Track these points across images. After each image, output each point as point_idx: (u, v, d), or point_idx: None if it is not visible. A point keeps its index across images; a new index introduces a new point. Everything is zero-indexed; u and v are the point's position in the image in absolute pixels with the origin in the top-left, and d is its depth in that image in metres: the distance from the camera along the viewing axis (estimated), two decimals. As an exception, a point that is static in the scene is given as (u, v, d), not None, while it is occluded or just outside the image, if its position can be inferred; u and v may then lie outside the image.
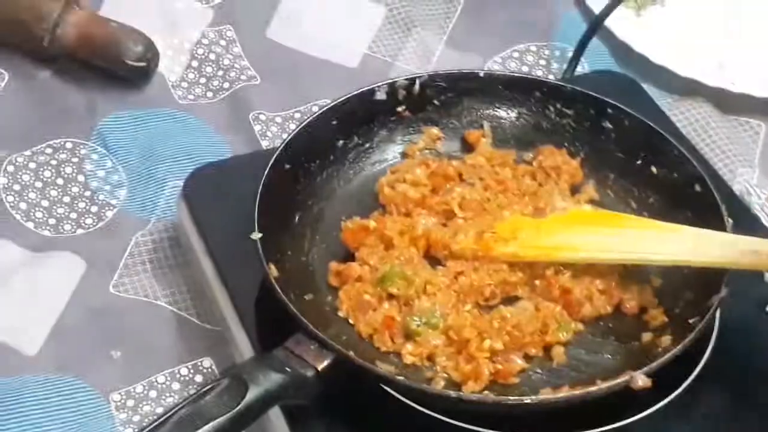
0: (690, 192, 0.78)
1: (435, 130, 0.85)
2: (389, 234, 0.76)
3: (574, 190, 0.82)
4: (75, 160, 0.89)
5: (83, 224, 0.86)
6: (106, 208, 0.87)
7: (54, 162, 0.89)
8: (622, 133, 0.82)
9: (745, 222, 0.78)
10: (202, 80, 0.97)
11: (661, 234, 0.75)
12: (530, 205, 0.80)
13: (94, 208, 0.86)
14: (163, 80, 0.96)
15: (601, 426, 0.67)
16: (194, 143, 0.91)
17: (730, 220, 0.74)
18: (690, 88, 0.97)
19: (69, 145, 0.90)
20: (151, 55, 0.94)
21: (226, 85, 0.96)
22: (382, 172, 0.82)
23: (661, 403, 0.68)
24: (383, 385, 0.68)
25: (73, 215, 0.86)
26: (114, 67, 0.94)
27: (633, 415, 0.68)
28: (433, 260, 0.76)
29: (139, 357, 0.77)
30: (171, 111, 0.94)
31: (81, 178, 0.88)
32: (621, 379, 0.66)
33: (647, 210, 0.80)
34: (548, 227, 0.78)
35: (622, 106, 0.82)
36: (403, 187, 0.80)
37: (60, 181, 0.88)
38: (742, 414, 0.70)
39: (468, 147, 0.85)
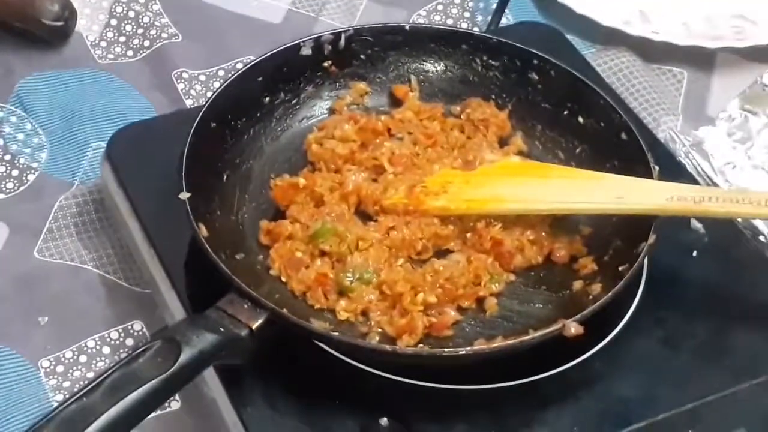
0: (616, 141, 0.78)
1: (362, 85, 0.84)
2: (319, 191, 0.76)
3: (503, 142, 0.82)
4: (-7, 123, 0.87)
5: (4, 189, 0.84)
6: (28, 171, 0.85)
7: (-29, 126, 0.87)
8: (549, 84, 0.83)
9: (671, 169, 0.79)
10: (122, 39, 0.95)
11: (589, 183, 0.76)
12: (459, 159, 0.80)
13: (15, 172, 0.85)
14: (82, 40, 0.94)
15: (536, 374, 0.68)
16: (116, 103, 0.90)
17: (657, 168, 0.75)
18: (613, 38, 0.98)
19: (-14, 109, 0.88)
20: (68, 14, 0.92)
21: (147, 43, 0.94)
22: (310, 129, 0.82)
23: (594, 350, 0.69)
24: (318, 342, 0.68)
25: (-6, 180, 0.84)
26: (31, 27, 0.92)
27: (566, 363, 0.69)
28: (365, 216, 0.76)
29: (67, 322, 0.76)
30: (91, 71, 0.92)
31: (0, 141, 0.86)
32: (553, 328, 0.67)
33: (575, 160, 0.81)
34: (477, 180, 0.78)
35: (547, 57, 0.82)
36: (331, 144, 0.79)
37: (-22, 146, 0.86)
38: (672, 357, 0.71)
39: (396, 102, 0.84)
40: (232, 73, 0.81)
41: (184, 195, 0.71)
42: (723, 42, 0.97)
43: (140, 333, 0.76)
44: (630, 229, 0.73)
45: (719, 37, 0.97)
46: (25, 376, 0.73)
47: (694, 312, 0.73)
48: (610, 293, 0.68)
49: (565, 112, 0.82)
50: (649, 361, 0.71)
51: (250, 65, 0.80)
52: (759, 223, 0.81)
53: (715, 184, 0.85)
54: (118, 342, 0.76)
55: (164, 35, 0.95)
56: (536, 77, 0.83)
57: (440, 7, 1.00)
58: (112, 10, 0.96)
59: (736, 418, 0.68)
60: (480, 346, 0.68)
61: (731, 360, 0.71)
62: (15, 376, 0.73)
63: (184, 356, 0.62)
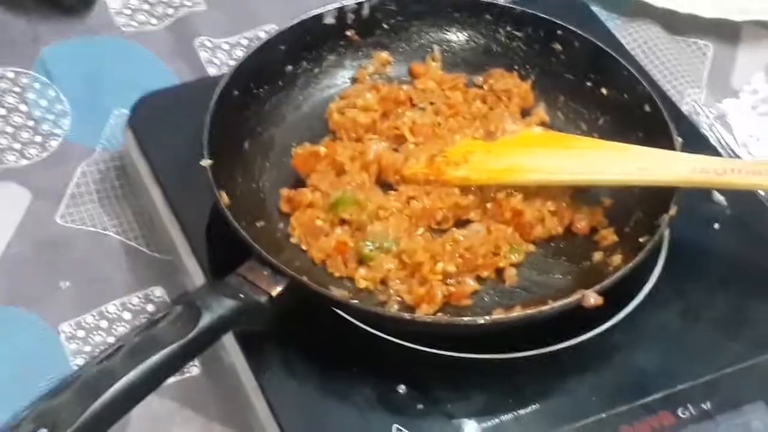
0: (640, 113, 0.78)
1: (385, 55, 0.84)
2: (340, 159, 0.76)
3: (525, 113, 0.82)
4: (17, 89, 0.87)
5: (27, 154, 0.84)
6: (51, 137, 0.85)
7: (-5, 92, 0.87)
8: (572, 55, 0.82)
9: (694, 141, 0.78)
10: (146, 7, 0.95)
11: (611, 154, 0.75)
12: (481, 129, 0.79)
13: (38, 138, 0.85)
14: (106, 8, 0.94)
15: (554, 344, 0.68)
16: (139, 71, 0.90)
17: (680, 139, 0.75)
18: (638, 9, 0.97)
19: (11, 75, 0.88)
20: (92, -19, 0.92)
21: (170, 11, 0.94)
22: (332, 98, 0.82)
23: (612, 321, 0.69)
24: (337, 310, 0.68)
25: (17, 145, 0.84)
26: (55, -6, 0.92)
27: (585, 333, 0.69)
28: (385, 185, 0.76)
29: (88, 287, 0.76)
30: (114, 39, 0.92)
31: (24, 107, 0.87)
32: (572, 298, 0.66)
33: (597, 131, 0.80)
34: (499, 150, 0.78)
35: (571, 28, 0.82)
36: (353, 113, 0.79)
37: (2, 111, 0.86)
38: (691, 330, 0.71)
39: (416, 76, 0.84)
40: (255, 41, 0.81)
41: (206, 162, 0.71)
42: (749, 15, 0.96)
43: (161, 299, 0.77)
44: (651, 200, 0.73)
45: (746, 10, 0.96)
46: (46, 340, 0.74)
47: (714, 284, 0.73)
48: (630, 264, 0.68)
49: (589, 84, 0.81)
50: (668, 332, 0.71)
51: (273, 34, 0.80)
52: (782, 196, 0.80)
53: (737, 157, 0.85)
54: (138, 307, 0.76)
55: (187, 3, 0.95)
56: (560, 48, 0.82)
57: (464, -22, 1.00)
58: (136, -23, 0.96)
59: (754, 391, 0.67)
60: (498, 315, 0.68)
61: (750, 332, 0.70)
62: (36, 340, 0.74)
63: (204, 321, 0.63)
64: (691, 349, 0.69)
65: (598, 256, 0.73)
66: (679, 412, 0.66)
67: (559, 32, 0.82)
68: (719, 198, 0.77)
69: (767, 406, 0.66)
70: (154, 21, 0.94)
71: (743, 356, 0.69)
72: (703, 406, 0.66)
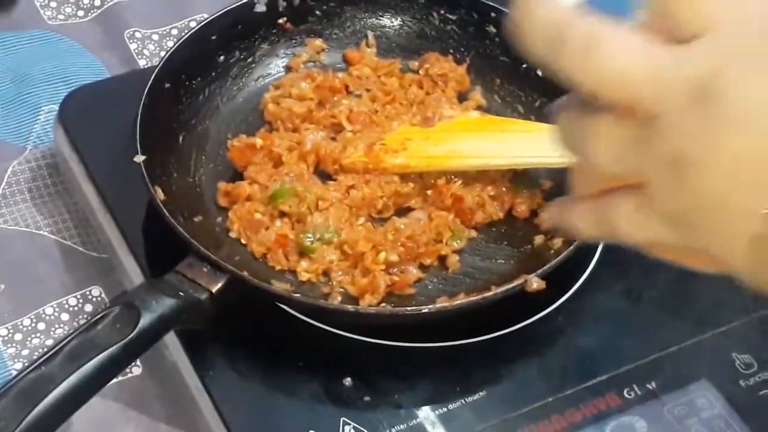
0: (575, 94, 0.78)
1: (318, 42, 0.83)
2: (277, 151, 0.75)
3: (462, 97, 0.82)
4: (-60, 87, 0.85)
5: (-45, 156, 0.82)
6: (-21, 137, 0.83)
7: None
8: (507, 37, 0.82)
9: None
10: (72, -1, 0.93)
11: (548, 136, 0.75)
12: (418, 115, 0.79)
13: (-35, 138, 0.83)
14: (31, 1, 0.92)
15: (499, 330, 0.68)
16: (68, 65, 0.87)
17: (617, 121, 0.75)
18: (571, -10, 0.97)
19: (-67, 73, 0.86)
20: (15, -26, 0.89)
21: (98, 2, 0.92)
22: (267, 88, 0.81)
23: (556, 304, 0.70)
24: (280, 304, 0.67)
25: (-56, 146, 0.82)
26: (-24, -12, 0.89)
27: (529, 318, 0.69)
28: (324, 175, 0.75)
29: (24, 289, 0.75)
30: (41, 33, 0.90)
31: (-51, 106, 0.84)
32: (515, 283, 0.67)
33: (534, 114, 0.80)
34: (437, 136, 0.77)
35: (505, 10, 0.82)
36: (288, 102, 0.78)
37: (-74, 111, 0.84)
38: (633, 310, 0.71)
39: (352, 62, 0.83)
40: (186, 32, 0.79)
41: (139, 158, 0.69)
42: None
43: (99, 298, 0.75)
44: (590, 182, 0.73)
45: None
46: (-18, 345, 0.72)
47: (655, 264, 0.72)
48: (571, 247, 0.68)
49: (524, 66, 0.81)
50: (611, 314, 0.71)
51: (203, 23, 0.79)
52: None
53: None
54: (76, 308, 0.74)
55: (115, -6, 0.93)
56: (494, 30, 0.82)
57: (396, -39, 0.99)
58: (61, -31, 0.94)
59: (698, 369, 0.68)
60: (442, 303, 0.67)
61: (693, 311, 0.71)
62: (-28, 345, 0.72)
63: (144, 321, 0.62)
64: (635, 330, 0.70)
65: (539, 239, 0.73)
66: (625, 392, 0.67)
67: (492, 14, 0.82)
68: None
69: (711, 383, 0.67)
70: (81, 13, 0.92)
71: (686, 335, 0.69)
72: (649, 386, 0.67)
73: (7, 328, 0.73)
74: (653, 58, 0.40)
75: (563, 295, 0.70)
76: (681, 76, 0.39)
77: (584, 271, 0.71)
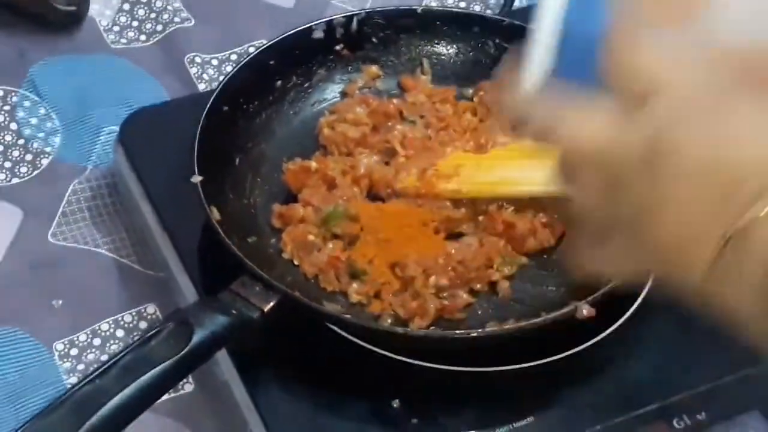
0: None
1: (374, 69, 0.84)
2: (331, 174, 0.76)
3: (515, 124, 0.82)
4: (6, 108, 0.87)
5: (18, 173, 0.84)
6: (41, 155, 0.85)
7: (-15, 111, 0.87)
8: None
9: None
10: (135, 23, 0.95)
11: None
12: (471, 142, 0.79)
13: (28, 157, 0.85)
14: (95, 25, 0.94)
15: (549, 356, 0.68)
16: (129, 88, 0.89)
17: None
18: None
19: (0, 93, 0.88)
20: (81, -2, 0.92)
21: (160, 27, 0.94)
22: (322, 112, 0.82)
23: (607, 332, 0.69)
24: (330, 324, 0.68)
25: (8, 164, 0.84)
26: (44, 12, 0.91)
27: (579, 345, 0.69)
28: (377, 199, 0.76)
29: (81, 306, 0.76)
30: (104, 56, 0.92)
31: (14, 126, 0.86)
32: (565, 310, 0.67)
33: (587, 142, 0.80)
34: (489, 163, 0.78)
35: (560, 39, 0.82)
36: (343, 127, 0.79)
37: (-8, 130, 0.86)
38: (684, 339, 0.71)
39: (406, 90, 0.84)
40: (244, 57, 0.81)
41: (197, 178, 0.71)
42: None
43: (154, 316, 0.76)
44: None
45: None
46: (39, 359, 0.73)
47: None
48: (622, 275, 0.68)
49: (578, 95, 0.81)
50: (662, 342, 0.71)
51: (261, 49, 0.81)
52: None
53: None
54: (131, 325, 0.76)
55: (177, 19, 0.95)
56: (548, 60, 0.82)
57: (453, -10, 1.00)
58: (125, -6, 0.96)
59: (749, 400, 0.68)
60: (492, 328, 0.68)
61: (745, 341, 0.70)
62: (30, 359, 0.73)
63: (197, 338, 0.63)
64: (685, 359, 0.70)
65: (590, 267, 0.73)
66: (674, 422, 0.66)
67: (548, 44, 0.82)
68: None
69: (762, 415, 0.66)
70: (143, 38, 0.94)
71: (737, 365, 0.69)
72: (698, 416, 0.66)
73: (63, 342, 0.74)
74: (602, 131, 0.46)
75: (614, 323, 0.70)
76: (630, 141, 0.45)
77: (635, 299, 0.71)
